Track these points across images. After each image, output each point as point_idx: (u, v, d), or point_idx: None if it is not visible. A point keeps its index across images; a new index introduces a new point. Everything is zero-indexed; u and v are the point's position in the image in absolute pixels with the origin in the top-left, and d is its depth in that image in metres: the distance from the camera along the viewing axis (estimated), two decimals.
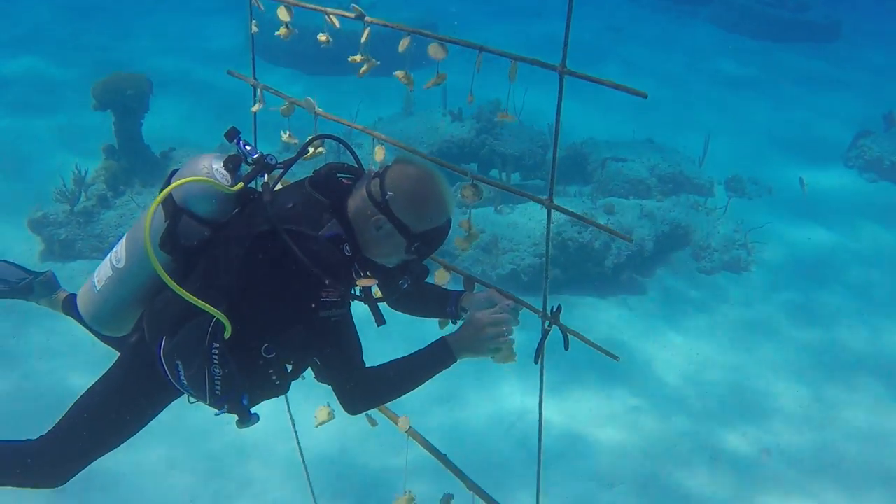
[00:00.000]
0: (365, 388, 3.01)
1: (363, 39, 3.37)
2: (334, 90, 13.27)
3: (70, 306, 4.11)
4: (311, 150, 3.32)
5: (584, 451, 6.99)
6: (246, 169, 3.06)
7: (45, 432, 3.34)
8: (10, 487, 3.35)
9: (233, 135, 3.07)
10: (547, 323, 3.15)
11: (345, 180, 3.05)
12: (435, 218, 2.93)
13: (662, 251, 10.15)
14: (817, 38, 20.20)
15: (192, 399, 3.22)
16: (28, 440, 3.35)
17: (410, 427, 3.70)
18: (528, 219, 9.76)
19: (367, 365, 3.02)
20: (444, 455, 3.60)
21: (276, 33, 3.73)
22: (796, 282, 9.95)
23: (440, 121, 11.47)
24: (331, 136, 3.27)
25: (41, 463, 3.29)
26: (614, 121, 13.62)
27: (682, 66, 17.85)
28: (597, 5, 20.92)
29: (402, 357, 3.05)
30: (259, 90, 4.04)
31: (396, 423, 3.68)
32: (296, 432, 4.43)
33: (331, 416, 3.85)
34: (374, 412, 3.40)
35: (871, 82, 17.65)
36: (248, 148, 3.06)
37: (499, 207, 10.10)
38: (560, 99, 2.53)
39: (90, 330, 3.75)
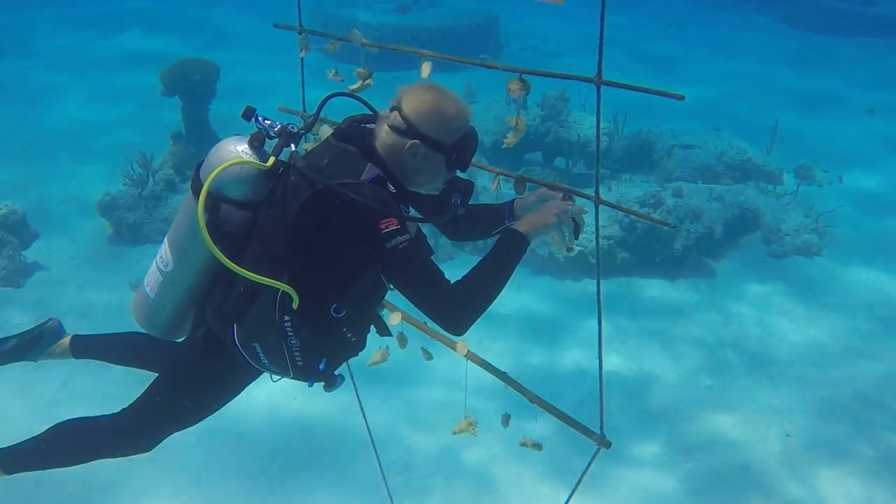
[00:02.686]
0: (460, 303, 2.90)
1: None
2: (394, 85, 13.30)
3: (79, 347, 4.02)
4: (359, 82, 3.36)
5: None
6: (270, 144, 3.06)
7: (122, 409, 3.46)
8: (106, 458, 3.51)
9: (249, 113, 3.06)
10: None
11: (368, 127, 3.06)
12: (460, 125, 2.97)
13: (732, 235, 9.92)
14: (885, 34, 19.58)
15: (274, 377, 3.28)
16: (108, 416, 3.47)
17: (469, 351, 3.65)
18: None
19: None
20: (505, 373, 3.54)
21: None
22: (869, 264, 9.66)
23: (504, 109, 11.41)
24: (340, 94, 3.30)
25: (123, 436, 3.42)
26: (679, 114, 13.34)
27: (745, 62, 17.55)
28: (659, 5, 20.89)
29: (480, 260, 2.98)
30: (304, 36, 4.09)
31: (455, 349, 3.63)
32: (360, 400, 4.41)
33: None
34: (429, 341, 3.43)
35: None
36: (267, 123, 3.05)
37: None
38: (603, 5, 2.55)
39: (115, 362, 3.94)
